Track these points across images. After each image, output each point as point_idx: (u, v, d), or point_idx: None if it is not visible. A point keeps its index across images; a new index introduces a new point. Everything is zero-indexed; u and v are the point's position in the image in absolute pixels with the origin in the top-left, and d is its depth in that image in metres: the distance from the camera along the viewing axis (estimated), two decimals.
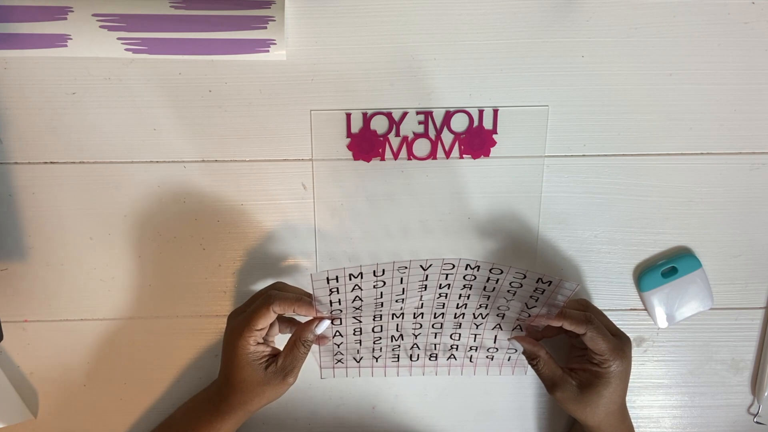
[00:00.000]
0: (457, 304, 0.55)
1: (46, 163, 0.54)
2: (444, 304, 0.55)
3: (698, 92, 0.55)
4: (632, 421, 0.60)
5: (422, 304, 0.55)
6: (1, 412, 0.58)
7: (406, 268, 0.49)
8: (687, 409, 0.65)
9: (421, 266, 0.49)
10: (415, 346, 0.60)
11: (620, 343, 0.53)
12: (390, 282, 0.50)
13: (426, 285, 0.52)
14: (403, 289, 0.52)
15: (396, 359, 0.61)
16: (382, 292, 0.51)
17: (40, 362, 0.60)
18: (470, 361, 0.61)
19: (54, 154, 0.54)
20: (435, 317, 0.56)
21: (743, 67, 0.54)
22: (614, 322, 0.56)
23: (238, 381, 0.52)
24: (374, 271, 0.49)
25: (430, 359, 0.61)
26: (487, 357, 0.61)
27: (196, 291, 0.59)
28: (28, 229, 0.56)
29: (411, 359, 0.61)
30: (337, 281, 0.49)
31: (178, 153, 0.55)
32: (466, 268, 0.50)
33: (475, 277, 0.52)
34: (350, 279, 0.49)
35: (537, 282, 0.51)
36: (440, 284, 0.52)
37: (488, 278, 0.52)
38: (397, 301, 0.53)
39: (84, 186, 0.55)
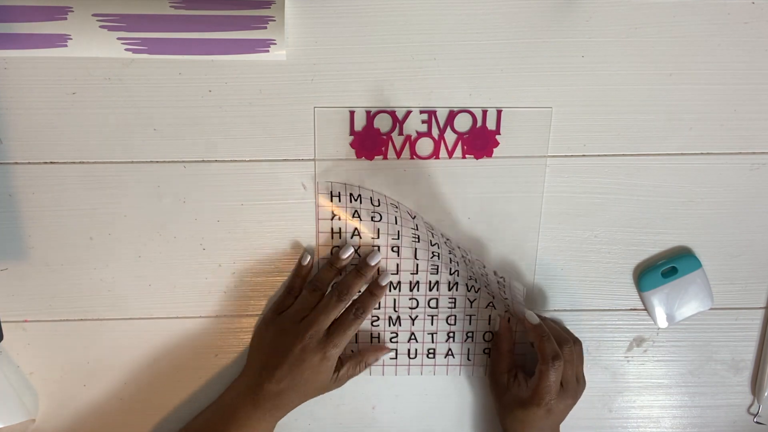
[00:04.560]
0: (449, 283, 0.58)
1: (46, 163, 0.54)
2: (437, 281, 0.58)
3: (698, 92, 0.55)
4: (632, 421, 0.60)
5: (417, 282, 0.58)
6: (1, 412, 0.57)
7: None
8: (687, 409, 0.65)
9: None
10: (412, 337, 0.60)
11: (566, 393, 0.54)
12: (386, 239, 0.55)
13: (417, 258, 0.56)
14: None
15: (395, 356, 0.61)
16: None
17: (40, 362, 0.60)
18: (468, 359, 0.61)
19: (54, 154, 0.54)
20: (430, 289, 0.59)
21: (743, 67, 0.54)
22: (610, 322, 0.56)
23: (300, 383, 0.54)
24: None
25: (428, 357, 0.62)
26: (484, 352, 0.61)
27: (196, 291, 0.59)
28: (28, 229, 0.56)
29: (409, 356, 0.61)
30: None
31: (178, 153, 0.55)
32: (450, 253, 0.55)
33: (458, 263, 0.56)
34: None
35: (495, 275, 0.53)
36: (432, 254, 0.56)
37: (468, 268, 0.55)
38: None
39: (84, 186, 0.55)
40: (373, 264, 0.56)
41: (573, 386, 0.55)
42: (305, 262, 0.56)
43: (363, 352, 0.59)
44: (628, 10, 0.53)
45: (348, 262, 0.57)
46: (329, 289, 0.56)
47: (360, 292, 0.57)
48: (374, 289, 0.56)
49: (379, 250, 0.57)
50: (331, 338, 0.54)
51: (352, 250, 0.56)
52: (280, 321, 0.56)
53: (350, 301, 0.56)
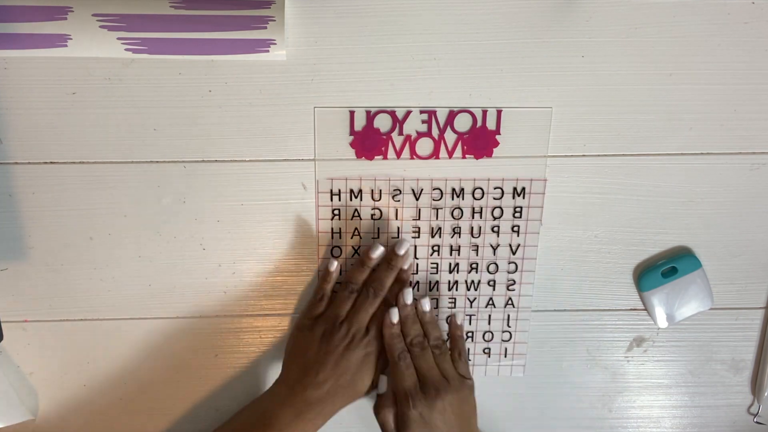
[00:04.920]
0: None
1: (46, 163, 0.54)
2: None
3: (698, 92, 0.55)
4: (632, 421, 0.60)
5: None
6: (1, 412, 0.57)
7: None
8: (687, 409, 0.65)
9: None
10: None
11: (427, 388, 0.54)
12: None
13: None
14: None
15: None
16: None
17: (40, 362, 0.60)
18: (468, 359, 0.61)
19: (54, 154, 0.54)
20: (430, 289, 0.59)
21: (743, 67, 0.54)
22: (610, 322, 0.55)
23: (343, 386, 0.54)
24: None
25: None
26: (484, 352, 0.61)
27: (196, 291, 0.59)
28: (28, 229, 0.56)
29: None
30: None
31: (178, 153, 0.55)
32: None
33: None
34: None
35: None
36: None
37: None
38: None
39: (84, 186, 0.55)
40: (401, 253, 0.56)
41: (435, 380, 0.54)
42: (332, 269, 0.57)
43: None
44: (628, 10, 0.53)
45: (378, 261, 0.57)
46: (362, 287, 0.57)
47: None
48: (401, 275, 0.57)
49: (405, 238, 0.57)
50: (369, 333, 0.56)
51: (381, 249, 0.56)
52: (320, 325, 0.56)
53: (384, 295, 0.56)
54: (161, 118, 0.54)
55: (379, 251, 0.56)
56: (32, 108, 0.53)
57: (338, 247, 0.58)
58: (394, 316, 0.56)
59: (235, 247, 0.57)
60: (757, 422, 0.64)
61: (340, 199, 0.57)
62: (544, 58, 0.53)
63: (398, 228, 0.57)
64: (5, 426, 0.59)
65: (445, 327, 0.61)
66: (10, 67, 0.52)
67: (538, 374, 0.62)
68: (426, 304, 0.57)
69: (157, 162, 0.55)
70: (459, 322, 0.59)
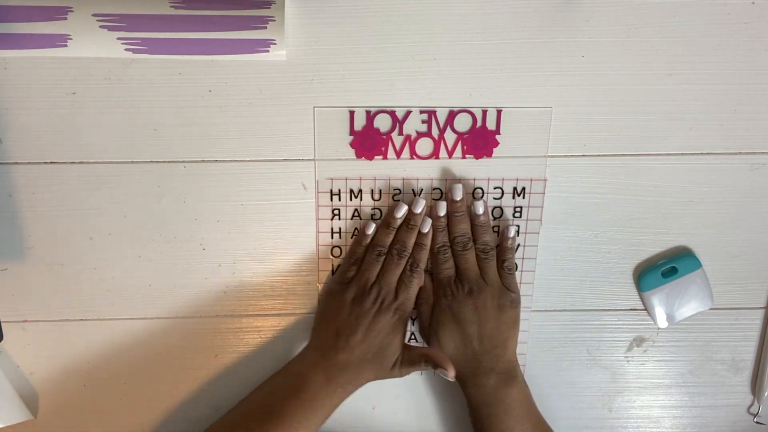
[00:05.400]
0: None
1: (46, 163, 0.54)
2: None
3: (698, 92, 0.55)
4: (632, 421, 0.60)
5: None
6: (1, 412, 0.57)
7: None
8: (687, 409, 0.65)
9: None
10: (412, 337, 0.60)
11: (463, 285, 0.55)
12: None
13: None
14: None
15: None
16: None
17: (40, 362, 0.60)
18: None
19: (54, 154, 0.54)
20: None
21: (743, 67, 0.54)
22: (610, 322, 0.55)
23: (373, 351, 0.54)
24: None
25: None
26: None
27: (196, 291, 0.59)
28: (28, 229, 0.56)
29: None
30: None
31: (178, 153, 0.55)
32: None
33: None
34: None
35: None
36: None
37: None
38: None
39: (84, 186, 0.55)
40: (418, 212, 0.55)
41: (471, 279, 0.55)
42: (369, 231, 0.56)
43: (429, 352, 0.56)
44: (628, 10, 0.53)
45: (402, 221, 0.56)
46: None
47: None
48: (420, 240, 0.56)
49: (421, 195, 0.57)
50: (398, 297, 0.55)
51: (405, 207, 0.56)
52: (349, 289, 0.56)
53: (409, 256, 0.56)
54: (161, 118, 0.54)
55: (402, 210, 0.56)
56: (32, 108, 0.53)
57: (338, 247, 0.58)
58: (441, 209, 0.55)
59: (235, 247, 0.57)
60: (757, 422, 0.64)
61: (340, 199, 0.57)
62: (544, 58, 0.53)
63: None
64: (5, 426, 0.59)
65: None
66: (10, 67, 0.52)
67: (538, 374, 0.62)
68: (480, 207, 0.56)
69: (157, 162, 0.55)
70: (511, 234, 0.57)
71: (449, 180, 0.56)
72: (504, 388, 0.55)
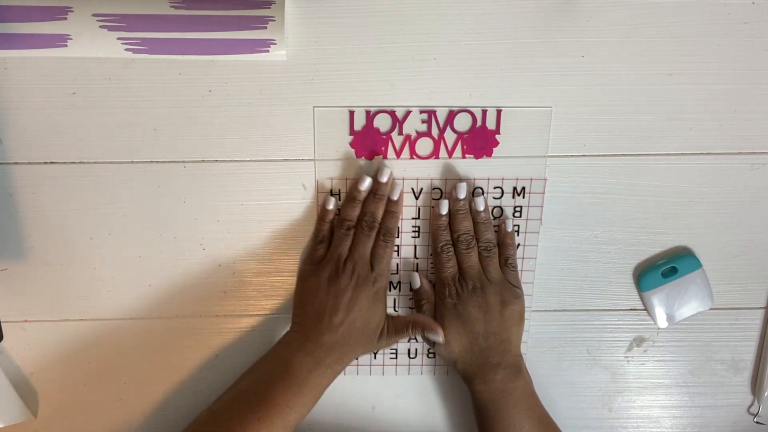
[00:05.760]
0: None
1: (46, 163, 0.54)
2: None
3: (698, 92, 0.55)
4: (632, 421, 0.60)
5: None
6: (1, 412, 0.57)
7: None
8: (687, 409, 0.65)
9: None
10: (412, 337, 0.60)
11: (467, 283, 0.55)
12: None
13: None
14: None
15: (395, 356, 0.61)
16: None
17: (40, 362, 0.60)
18: None
19: (54, 154, 0.54)
20: None
21: (743, 67, 0.54)
22: (610, 322, 0.55)
23: (357, 327, 0.54)
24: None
25: (428, 357, 0.62)
26: None
27: (196, 291, 0.59)
28: (28, 229, 0.56)
29: (409, 356, 0.61)
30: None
31: (178, 153, 0.55)
32: None
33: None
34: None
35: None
36: None
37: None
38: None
39: (84, 186, 0.55)
40: (384, 181, 0.55)
41: (474, 277, 0.55)
42: (330, 206, 0.56)
43: (410, 319, 0.56)
44: (628, 10, 0.53)
45: (367, 193, 0.56)
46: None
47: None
48: (390, 207, 0.56)
49: (386, 165, 0.56)
50: (374, 269, 0.55)
51: (369, 180, 0.55)
52: (323, 269, 0.55)
53: (378, 228, 0.56)
54: (161, 118, 0.54)
55: (366, 182, 0.55)
56: (32, 108, 0.53)
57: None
58: (443, 207, 0.55)
59: (235, 247, 0.57)
60: (757, 422, 0.64)
61: (339, 199, 0.57)
62: (544, 58, 0.53)
63: (398, 228, 0.57)
64: (5, 426, 0.59)
65: None
66: (10, 67, 0.52)
67: (538, 374, 0.62)
68: (480, 204, 0.56)
69: (157, 162, 0.55)
70: (509, 230, 0.57)
71: (451, 179, 0.56)
72: (512, 382, 0.55)
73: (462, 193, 0.55)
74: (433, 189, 0.57)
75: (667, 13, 0.53)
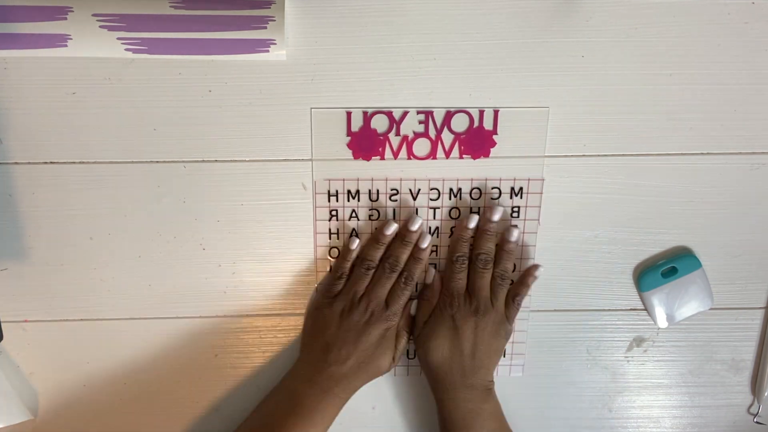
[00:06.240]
0: None
1: (46, 163, 0.54)
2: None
3: (698, 92, 0.55)
4: (632, 421, 0.59)
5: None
6: (1, 412, 0.58)
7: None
8: (687, 409, 0.65)
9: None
10: (412, 337, 0.60)
11: (471, 304, 0.55)
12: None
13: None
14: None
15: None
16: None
17: (40, 362, 0.60)
18: None
19: (54, 154, 0.54)
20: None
21: (743, 67, 0.54)
22: (610, 322, 0.56)
23: (366, 360, 0.55)
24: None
25: None
26: None
27: (196, 291, 0.59)
28: (28, 229, 0.56)
29: (408, 356, 0.61)
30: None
31: (178, 153, 0.55)
32: None
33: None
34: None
35: None
36: None
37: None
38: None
39: (84, 186, 0.55)
40: (414, 229, 0.56)
41: (480, 299, 0.55)
42: (353, 246, 0.57)
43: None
44: (628, 10, 0.53)
45: (391, 238, 0.57)
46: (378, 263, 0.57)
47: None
48: (416, 254, 0.57)
49: (417, 213, 0.57)
50: (389, 308, 0.55)
51: (395, 226, 0.56)
52: (339, 302, 0.56)
53: (400, 270, 0.56)
54: (161, 118, 0.54)
55: (392, 228, 0.56)
56: (32, 108, 0.53)
57: (336, 248, 0.58)
58: (472, 221, 0.56)
59: (235, 247, 0.57)
60: (757, 422, 0.64)
61: (337, 200, 0.57)
62: (544, 58, 0.53)
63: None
64: (5, 426, 0.59)
65: None
66: (10, 67, 0.52)
67: (538, 374, 0.62)
68: (513, 234, 0.56)
69: (157, 162, 0.55)
70: (535, 274, 0.58)
71: (488, 206, 0.57)
72: (481, 403, 0.56)
73: (497, 216, 0.56)
74: (431, 190, 0.57)
75: (667, 13, 0.53)
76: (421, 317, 0.58)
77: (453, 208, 0.57)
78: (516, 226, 0.57)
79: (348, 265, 0.57)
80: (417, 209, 0.57)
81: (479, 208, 0.57)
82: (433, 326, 0.56)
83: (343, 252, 0.58)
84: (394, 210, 0.57)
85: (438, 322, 0.56)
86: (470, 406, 0.55)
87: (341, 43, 0.52)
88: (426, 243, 0.56)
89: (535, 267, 0.58)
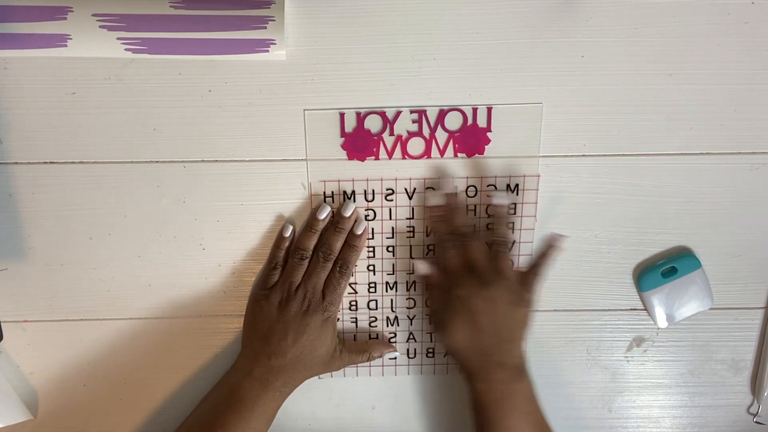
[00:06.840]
0: None
1: (46, 163, 0.54)
2: None
3: (698, 92, 0.55)
4: (632, 421, 0.59)
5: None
6: (1, 412, 0.58)
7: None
8: (687, 409, 0.65)
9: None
10: (411, 337, 0.60)
11: (474, 276, 0.54)
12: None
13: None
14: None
15: (395, 357, 0.61)
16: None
17: (40, 362, 0.60)
18: None
19: (54, 154, 0.54)
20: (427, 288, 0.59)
21: (743, 67, 0.54)
22: (610, 322, 0.55)
23: (306, 352, 0.54)
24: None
25: (427, 356, 0.62)
26: None
27: (196, 291, 0.59)
28: (28, 229, 0.56)
29: (408, 356, 0.61)
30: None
31: (178, 153, 0.55)
32: None
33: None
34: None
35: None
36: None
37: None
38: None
39: (84, 186, 0.55)
40: (348, 215, 0.56)
41: (482, 270, 0.54)
42: (287, 234, 0.56)
43: (369, 343, 0.60)
44: (628, 10, 0.52)
45: (326, 223, 0.56)
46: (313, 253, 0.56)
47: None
48: (352, 241, 0.56)
49: (353, 200, 0.56)
50: (325, 298, 0.55)
51: (328, 209, 0.56)
52: (274, 294, 0.55)
53: (335, 259, 0.56)
54: (161, 118, 0.54)
55: (325, 212, 0.55)
56: (32, 108, 0.53)
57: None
58: (431, 199, 0.56)
59: (235, 247, 0.57)
60: (757, 422, 0.64)
61: (333, 201, 0.57)
62: (544, 58, 0.53)
63: (392, 228, 0.57)
64: (5, 426, 0.59)
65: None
66: (10, 67, 0.52)
67: (538, 374, 0.62)
68: (497, 196, 0.56)
69: (157, 162, 0.55)
70: (555, 244, 0.56)
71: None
72: (513, 383, 0.53)
73: (450, 187, 0.56)
74: (427, 188, 0.57)
75: (667, 13, 0.53)
76: (432, 305, 0.57)
77: None
78: (497, 187, 0.56)
79: (282, 254, 0.56)
80: (413, 208, 0.57)
81: (475, 206, 0.57)
82: (445, 311, 0.54)
83: (277, 240, 0.57)
84: (390, 210, 0.57)
85: (449, 307, 0.54)
86: (501, 387, 0.53)
87: (341, 43, 0.52)
88: (361, 229, 0.56)
89: (555, 237, 0.56)
